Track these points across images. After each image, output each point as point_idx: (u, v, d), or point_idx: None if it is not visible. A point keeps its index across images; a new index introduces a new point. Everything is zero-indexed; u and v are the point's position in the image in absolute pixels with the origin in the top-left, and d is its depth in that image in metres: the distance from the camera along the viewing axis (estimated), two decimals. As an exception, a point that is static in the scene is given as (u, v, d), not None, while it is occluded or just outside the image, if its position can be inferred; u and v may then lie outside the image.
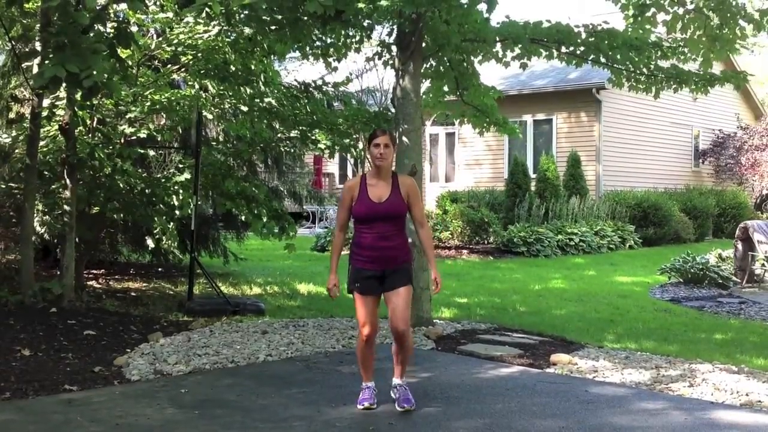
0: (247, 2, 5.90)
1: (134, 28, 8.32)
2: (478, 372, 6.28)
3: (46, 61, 6.62)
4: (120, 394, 5.52)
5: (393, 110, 8.82)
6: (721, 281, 11.72)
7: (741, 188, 23.19)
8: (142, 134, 9.09)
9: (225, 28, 7.96)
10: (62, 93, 8.17)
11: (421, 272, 8.17)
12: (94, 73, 6.10)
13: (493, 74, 11.54)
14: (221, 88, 9.27)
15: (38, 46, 8.15)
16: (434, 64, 9.17)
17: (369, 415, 5.02)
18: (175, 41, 8.40)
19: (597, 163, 20.16)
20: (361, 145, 11.91)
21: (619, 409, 5.22)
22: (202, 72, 9.04)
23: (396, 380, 5.26)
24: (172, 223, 9.25)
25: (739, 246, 12.05)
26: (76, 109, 8.23)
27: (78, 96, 7.64)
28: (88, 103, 8.20)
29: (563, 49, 9.06)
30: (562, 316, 9.12)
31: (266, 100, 9.50)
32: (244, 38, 8.34)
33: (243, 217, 10.01)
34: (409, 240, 5.98)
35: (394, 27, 8.52)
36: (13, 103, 9.98)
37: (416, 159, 8.30)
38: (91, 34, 6.65)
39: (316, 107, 9.71)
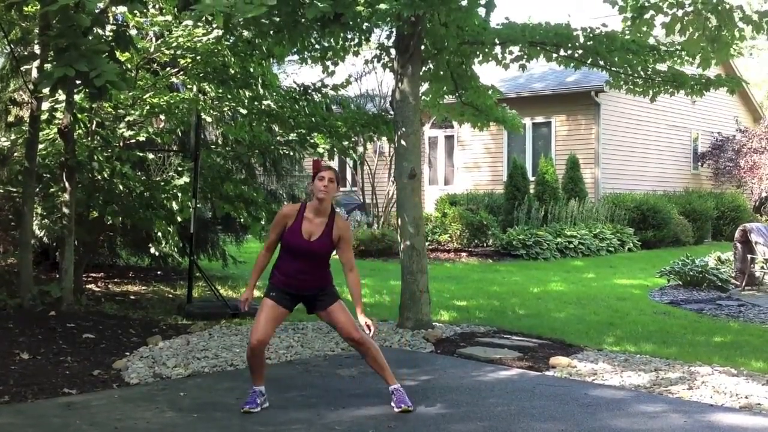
0: (250, 15, 5.91)
1: (133, 32, 8.33)
2: (478, 375, 6.27)
3: (47, 64, 6.63)
4: (119, 398, 5.51)
5: (392, 113, 8.83)
6: (720, 284, 11.72)
7: (740, 191, 23.19)
8: (141, 137, 9.10)
9: (224, 31, 7.96)
10: (62, 96, 8.17)
11: (420, 275, 8.18)
12: (104, 71, 6.09)
13: (491, 77, 11.56)
14: (220, 91, 9.27)
15: (37, 49, 8.16)
16: (433, 67, 9.18)
17: (368, 418, 5.02)
18: (174, 44, 8.40)
19: (596, 166, 20.17)
20: (360, 149, 11.92)
21: (618, 412, 5.22)
22: (201, 75, 9.04)
23: (391, 386, 5.24)
24: (172, 227, 9.25)
25: (738, 249, 12.05)
26: (75, 112, 8.24)
27: (80, 98, 7.66)
28: (89, 105, 8.21)
29: (561, 52, 9.08)
30: (561, 318, 9.12)
31: (265, 102, 9.50)
32: (242, 41, 8.35)
33: (242, 220, 10.01)
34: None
35: (393, 30, 8.53)
36: (12, 107, 9.98)
37: (415, 162, 8.31)
38: (90, 37, 6.65)
39: (315, 110, 9.71)
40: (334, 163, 23.50)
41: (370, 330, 5.14)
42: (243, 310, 5.39)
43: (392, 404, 5.17)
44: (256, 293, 5.76)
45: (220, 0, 5.84)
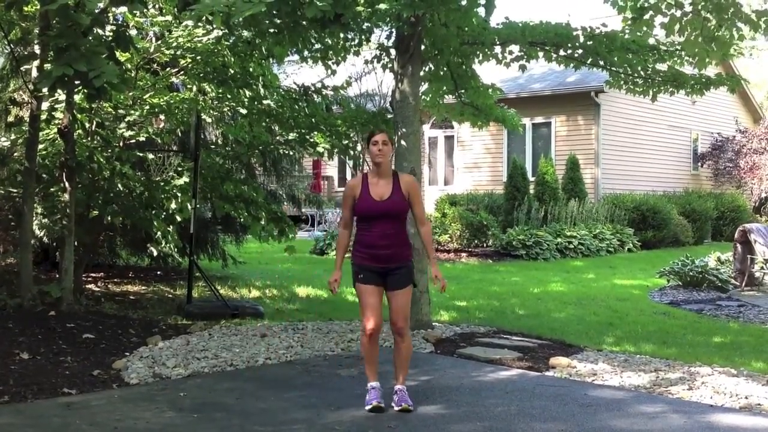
0: (249, 14, 5.91)
1: (133, 32, 8.32)
2: (477, 375, 6.27)
3: (47, 64, 6.62)
4: (119, 398, 5.51)
5: (392, 113, 8.83)
6: (720, 284, 11.72)
7: (740, 191, 23.19)
8: (141, 137, 9.10)
9: (224, 31, 7.96)
10: (61, 96, 8.17)
11: (420, 275, 8.17)
12: (103, 72, 6.09)
13: (491, 77, 11.56)
14: (220, 91, 9.27)
15: (37, 48, 8.15)
16: (433, 67, 9.18)
17: (368, 418, 5.02)
18: (174, 44, 8.39)
19: (595, 167, 20.18)
20: (359, 147, 11.91)
21: (618, 413, 5.22)
22: (200, 75, 9.04)
23: (397, 386, 5.27)
24: (172, 227, 9.25)
25: (738, 249, 12.05)
26: (75, 112, 8.23)
27: (79, 98, 7.64)
28: (88, 105, 8.20)
29: (561, 52, 9.09)
30: (561, 319, 9.12)
31: (265, 102, 9.50)
32: (242, 41, 8.35)
33: (242, 220, 10.01)
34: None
35: (393, 30, 8.53)
36: (11, 106, 9.97)
37: (415, 162, 8.30)
38: (90, 38, 6.65)
39: (314, 110, 9.71)
40: (334, 163, 23.57)
41: (441, 283, 5.24)
42: (334, 292, 5.38)
43: (392, 404, 5.18)
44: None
45: (219, 0, 5.85)
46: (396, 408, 5.14)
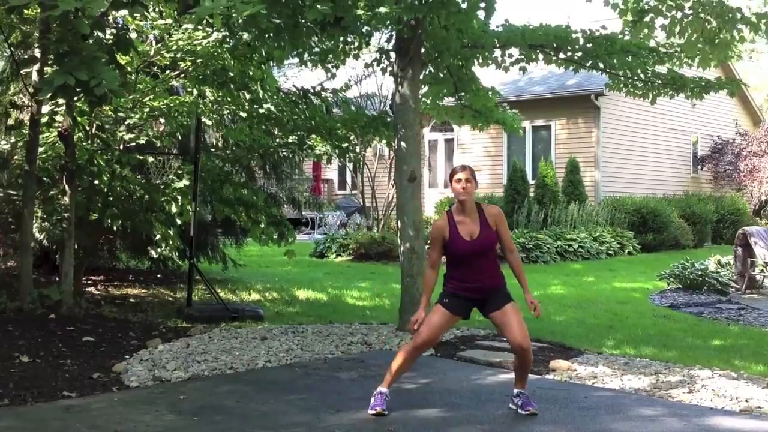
0: (247, 14, 5.90)
1: (133, 35, 8.32)
2: (477, 378, 6.27)
3: (47, 68, 6.61)
4: (119, 401, 5.51)
5: (392, 116, 8.84)
6: (720, 287, 11.71)
7: (740, 194, 23.20)
8: (141, 141, 9.09)
9: (224, 34, 7.97)
10: (62, 99, 8.16)
11: (420, 278, 8.15)
12: (104, 81, 6.08)
13: (491, 80, 11.57)
14: (220, 94, 9.27)
15: (37, 52, 8.16)
16: (433, 70, 9.18)
17: (368, 421, 5.02)
18: (174, 47, 8.40)
19: (595, 169, 20.18)
20: (358, 149, 11.90)
21: (618, 416, 5.22)
22: (201, 78, 9.04)
23: (516, 390, 5.27)
24: (172, 230, 9.24)
25: (738, 252, 12.05)
26: (75, 115, 8.23)
27: (82, 102, 7.63)
28: (88, 109, 8.20)
29: (561, 55, 9.09)
30: (561, 322, 9.12)
31: (265, 106, 9.51)
32: (242, 44, 8.35)
33: (242, 223, 10.00)
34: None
35: (393, 33, 8.53)
36: (12, 110, 9.97)
37: (415, 165, 8.31)
38: (90, 41, 6.65)
39: (314, 113, 9.71)
40: (334, 166, 23.56)
41: (536, 310, 5.18)
42: (412, 330, 5.27)
43: (518, 409, 5.19)
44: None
45: (219, 2, 5.85)
46: (523, 412, 5.14)
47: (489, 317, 5.26)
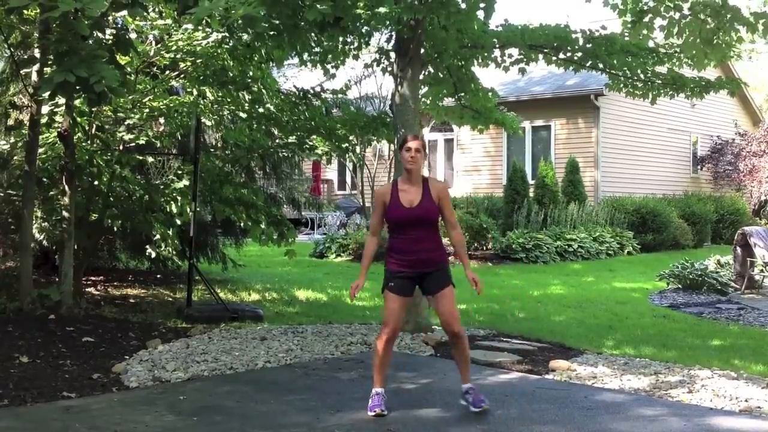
0: (241, 13, 5.90)
1: (133, 35, 8.32)
2: (477, 378, 6.26)
3: (47, 68, 6.60)
4: (118, 401, 5.51)
5: (392, 116, 8.84)
6: (719, 287, 11.72)
7: (739, 194, 23.21)
8: (141, 141, 9.09)
9: (224, 34, 7.96)
10: (61, 100, 8.16)
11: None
12: (104, 79, 6.09)
13: (491, 80, 11.58)
14: (219, 94, 9.28)
15: (37, 52, 8.15)
16: (432, 70, 9.19)
17: (368, 422, 5.02)
18: (174, 48, 8.40)
19: (595, 169, 20.19)
20: (358, 150, 11.91)
21: (618, 416, 5.22)
22: (200, 78, 9.04)
23: (464, 386, 5.30)
24: (172, 230, 9.24)
25: (738, 252, 12.06)
26: (75, 116, 8.23)
27: (79, 102, 7.63)
28: (88, 109, 8.20)
29: (561, 55, 9.09)
30: (560, 322, 9.12)
31: (265, 106, 9.51)
32: (242, 45, 8.35)
33: (242, 224, 10.00)
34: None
35: (393, 33, 8.54)
36: (11, 110, 9.97)
37: (415, 165, 8.29)
38: (90, 41, 6.65)
39: (314, 113, 9.72)
40: (333, 166, 23.59)
41: (477, 286, 5.22)
42: (352, 298, 5.37)
43: (470, 406, 5.20)
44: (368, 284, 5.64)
45: (218, 2, 5.85)
46: (474, 409, 5.15)
47: (427, 297, 5.33)
